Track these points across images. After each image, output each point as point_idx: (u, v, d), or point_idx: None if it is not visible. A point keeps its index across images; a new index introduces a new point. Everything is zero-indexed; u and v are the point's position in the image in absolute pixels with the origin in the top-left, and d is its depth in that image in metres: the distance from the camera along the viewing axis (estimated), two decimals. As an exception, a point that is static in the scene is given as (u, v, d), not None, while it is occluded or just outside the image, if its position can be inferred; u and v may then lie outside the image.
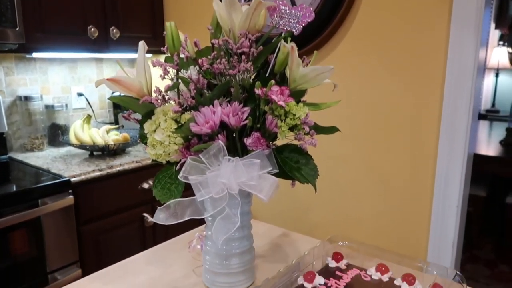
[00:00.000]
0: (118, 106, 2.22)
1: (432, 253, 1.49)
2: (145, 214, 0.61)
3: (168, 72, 0.68)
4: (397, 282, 0.68)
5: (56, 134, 2.02)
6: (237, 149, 0.71)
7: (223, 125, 0.69)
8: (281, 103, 0.64)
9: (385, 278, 0.70)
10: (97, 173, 1.67)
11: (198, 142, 0.70)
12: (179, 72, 0.70)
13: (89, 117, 1.96)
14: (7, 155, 1.87)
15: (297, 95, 0.75)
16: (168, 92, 0.72)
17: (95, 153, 1.90)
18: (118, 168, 1.74)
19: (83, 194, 1.63)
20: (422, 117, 1.47)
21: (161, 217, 0.66)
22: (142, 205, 1.86)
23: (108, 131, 1.93)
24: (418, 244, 1.54)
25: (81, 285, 0.81)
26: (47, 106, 2.02)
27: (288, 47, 0.69)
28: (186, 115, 0.68)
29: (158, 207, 0.68)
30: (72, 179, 1.58)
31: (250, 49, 0.70)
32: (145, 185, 1.76)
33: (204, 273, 0.80)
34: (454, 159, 1.40)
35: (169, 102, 0.71)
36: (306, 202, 1.86)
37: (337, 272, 0.72)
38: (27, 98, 1.93)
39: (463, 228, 1.50)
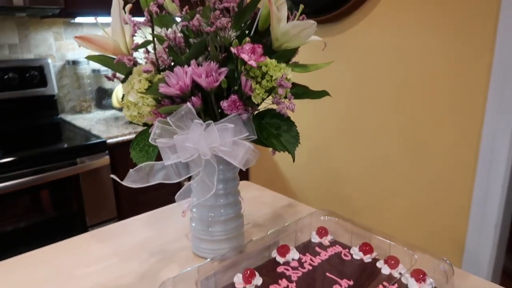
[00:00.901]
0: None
1: (472, 236, 1.36)
2: (112, 176, 0.60)
3: (139, 29, 0.65)
4: (379, 264, 0.62)
5: (102, 98, 2.12)
6: (214, 113, 0.67)
7: (201, 87, 0.65)
8: (251, 62, 0.59)
9: (367, 258, 0.63)
10: (133, 136, 1.72)
11: (172, 104, 0.67)
12: (155, 30, 0.66)
13: (130, 81, 2.02)
14: (59, 116, 2.00)
15: (285, 55, 0.69)
16: (150, 51, 0.69)
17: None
18: (154, 132, 1.78)
19: (119, 155, 1.70)
20: (468, 89, 1.31)
21: (131, 179, 0.65)
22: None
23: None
24: (456, 224, 1.41)
25: (81, 239, 0.84)
26: (93, 70, 2.11)
27: None
28: (160, 76, 0.65)
29: (131, 169, 0.67)
30: (108, 141, 1.65)
31: (230, 4, 0.65)
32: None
33: (191, 238, 0.79)
34: (500, 134, 1.24)
35: (147, 62, 0.68)
36: (349, 180, 1.78)
37: (317, 248, 0.66)
38: (75, 63, 2.03)
39: (510, 212, 1.34)
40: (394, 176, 1.58)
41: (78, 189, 1.60)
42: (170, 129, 0.63)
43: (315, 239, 0.69)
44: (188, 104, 0.62)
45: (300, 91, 0.69)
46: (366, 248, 0.64)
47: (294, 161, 0.64)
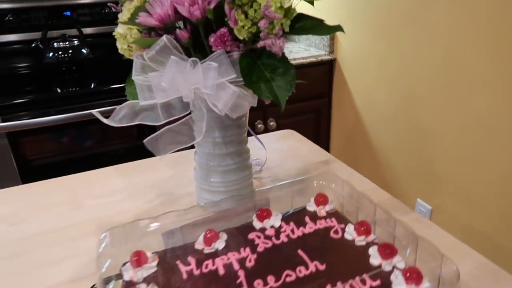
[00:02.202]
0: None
1: None
2: (94, 112, 0.55)
3: None
4: (372, 250, 0.49)
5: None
6: (204, 48, 0.58)
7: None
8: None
9: (360, 241, 0.51)
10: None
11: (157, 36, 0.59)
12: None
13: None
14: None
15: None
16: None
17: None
18: (228, 71, 1.74)
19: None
20: None
21: (116, 118, 0.61)
22: (254, 111, 1.86)
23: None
24: None
25: (104, 172, 0.87)
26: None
27: None
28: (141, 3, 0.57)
29: (117, 107, 0.63)
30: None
31: None
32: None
33: (195, 185, 0.75)
34: None
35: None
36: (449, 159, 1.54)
37: (306, 218, 0.56)
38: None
39: None
40: (492, 140, 1.30)
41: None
42: (149, 65, 0.56)
43: (311, 206, 0.59)
44: (165, 37, 0.54)
45: (309, 25, 0.56)
46: (361, 228, 0.51)
47: (283, 110, 0.53)
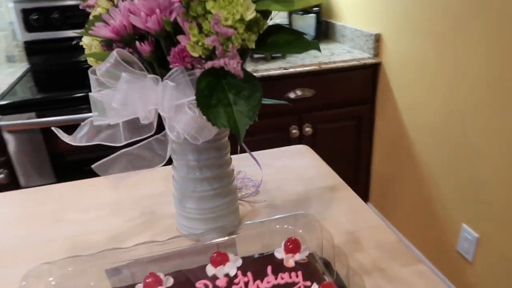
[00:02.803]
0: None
1: None
2: (54, 128, 0.51)
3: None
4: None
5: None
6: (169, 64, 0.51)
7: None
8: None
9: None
10: (239, 76, 1.65)
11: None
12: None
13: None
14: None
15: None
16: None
17: (255, 55, 1.87)
18: (263, 73, 1.66)
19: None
20: None
21: (78, 136, 0.56)
22: (288, 115, 1.78)
23: (268, 33, 1.84)
24: None
25: (94, 182, 0.84)
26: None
27: None
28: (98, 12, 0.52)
29: (82, 123, 0.58)
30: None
31: None
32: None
33: (176, 208, 0.69)
34: None
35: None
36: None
37: (269, 269, 0.47)
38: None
39: None
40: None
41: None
42: (103, 81, 0.51)
43: (280, 253, 0.50)
44: (115, 51, 0.48)
45: (283, 40, 0.47)
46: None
47: (241, 143, 0.45)
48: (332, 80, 1.76)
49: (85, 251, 0.58)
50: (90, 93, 0.51)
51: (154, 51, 0.50)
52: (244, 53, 0.47)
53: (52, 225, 0.70)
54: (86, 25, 0.51)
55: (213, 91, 0.47)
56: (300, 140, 1.83)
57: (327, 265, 0.50)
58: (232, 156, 0.79)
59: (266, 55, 1.81)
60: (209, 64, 0.43)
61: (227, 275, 0.47)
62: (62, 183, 0.83)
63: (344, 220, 0.68)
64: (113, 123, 0.50)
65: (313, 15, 2.02)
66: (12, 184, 1.54)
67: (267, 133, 1.79)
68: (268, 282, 0.45)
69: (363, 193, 2.04)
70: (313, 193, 0.76)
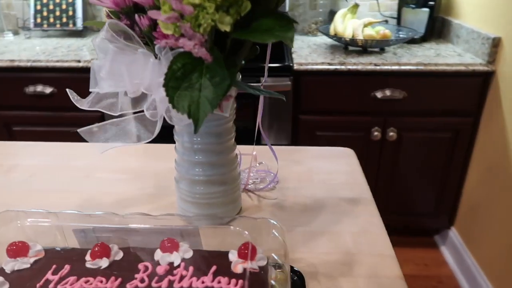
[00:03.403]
0: (405, 0, 1.87)
1: None
2: (68, 90, 0.51)
3: None
4: None
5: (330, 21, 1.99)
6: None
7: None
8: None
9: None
10: (325, 66, 1.57)
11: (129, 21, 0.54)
12: None
13: (355, 6, 1.79)
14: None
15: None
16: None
17: (350, 47, 1.76)
18: (350, 67, 1.56)
19: (305, 84, 1.61)
20: None
21: (85, 101, 0.58)
22: (371, 115, 1.65)
23: (367, 25, 1.72)
24: None
25: (133, 148, 0.88)
26: (331, -10, 1.98)
27: None
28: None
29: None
30: (296, 67, 1.57)
31: None
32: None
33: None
34: None
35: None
36: None
37: (212, 269, 0.44)
38: (312, -20, 1.95)
39: None
40: None
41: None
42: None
43: (234, 255, 0.46)
44: (107, 22, 0.48)
45: (265, 27, 0.42)
46: None
47: (197, 131, 0.42)
48: (430, 84, 1.57)
49: (87, 209, 0.62)
50: (91, 63, 0.53)
51: (152, 25, 0.50)
52: (221, 36, 0.43)
53: (77, 178, 0.76)
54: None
55: (188, 73, 0.44)
56: (382, 144, 1.69)
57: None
58: (258, 147, 0.76)
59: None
60: (163, 44, 0.41)
61: (171, 263, 0.45)
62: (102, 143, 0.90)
63: (349, 239, 0.60)
64: (102, 92, 0.51)
65: (426, 9, 1.81)
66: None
67: (346, 131, 1.69)
68: (202, 282, 0.42)
69: (448, 215, 1.81)
70: (330, 202, 0.69)
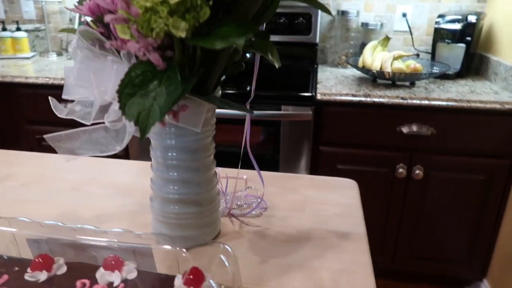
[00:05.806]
0: (440, 35, 1.80)
1: None
2: (50, 98, 0.50)
3: None
4: None
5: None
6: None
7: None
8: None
9: None
10: (348, 98, 1.53)
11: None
12: None
13: (387, 38, 1.75)
14: (315, 66, 2.01)
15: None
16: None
17: (378, 80, 1.71)
18: (375, 99, 1.51)
19: (328, 114, 1.57)
20: None
21: (63, 109, 0.57)
22: (396, 151, 1.57)
23: (397, 58, 1.66)
24: None
25: (119, 163, 0.87)
26: (362, 24, 1.95)
27: None
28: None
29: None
30: (319, 97, 1.54)
31: None
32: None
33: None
34: None
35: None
36: None
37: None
38: (344, 13, 1.94)
39: None
40: None
41: (277, 135, 1.61)
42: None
43: (179, 280, 0.42)
44: (80, 28, 0.48)
45: (223, 33, 0.39)
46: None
47: (143, 138, 0.39)
48: (460, 121, 1.47)
49: (65, 221, 0.60)
50: (65, 66, 0.53)
51: (126, 34, 0.49)
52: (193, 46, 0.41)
53: (63, 191, 0.75)
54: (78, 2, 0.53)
55: (147, 81, 0.42)
56: (407, 182, 1.59)
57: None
58: (248, 171, 0.72)
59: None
60: (107, 45, 0.39)
61: (110, 283, 0.42)
62: (99, 158, 0.89)
63: (326, 277, 0.54)
64: (70, 99, 0.50)
65: (462, 45, 1.74)
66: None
67: (368, 165, 1.61)
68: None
69: (480, 266, 1.65)
70: (317, 234, 0.63)
